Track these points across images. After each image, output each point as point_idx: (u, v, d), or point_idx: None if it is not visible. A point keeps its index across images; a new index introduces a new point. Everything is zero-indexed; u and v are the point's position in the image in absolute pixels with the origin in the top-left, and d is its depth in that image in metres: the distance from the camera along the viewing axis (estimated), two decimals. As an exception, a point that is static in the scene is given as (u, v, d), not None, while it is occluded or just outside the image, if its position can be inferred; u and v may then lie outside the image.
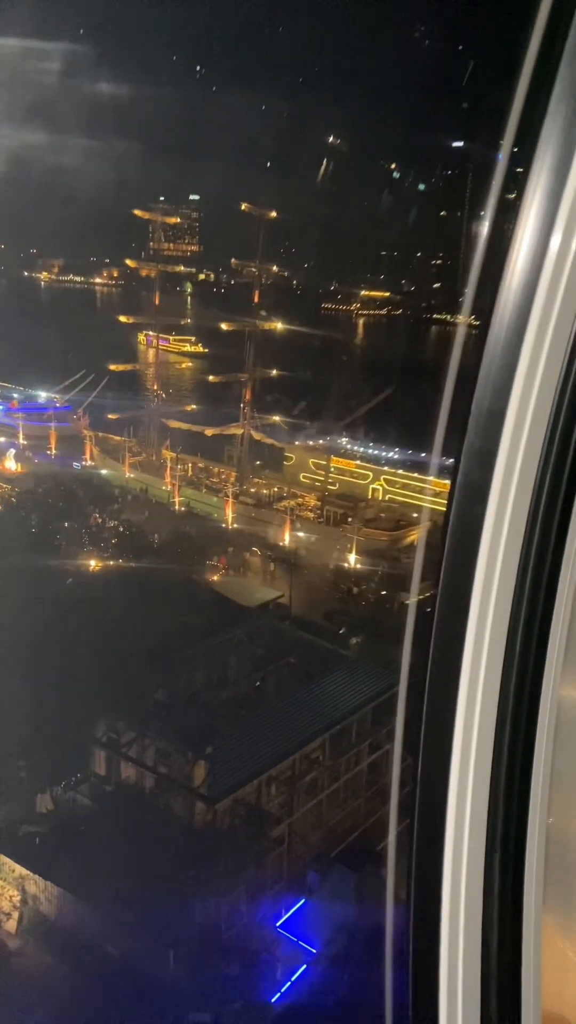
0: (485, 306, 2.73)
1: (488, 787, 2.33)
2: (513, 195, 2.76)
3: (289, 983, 32.01)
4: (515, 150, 2.79)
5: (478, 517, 2.46)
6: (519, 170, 2.70)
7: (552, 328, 2.52)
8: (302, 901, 34.59)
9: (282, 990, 31.83)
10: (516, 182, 2.73)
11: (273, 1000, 31.64)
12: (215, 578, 57.99)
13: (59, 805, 38.80)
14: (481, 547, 2.45)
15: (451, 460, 2.70)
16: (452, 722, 2.36)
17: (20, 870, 35.19)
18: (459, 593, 2.40)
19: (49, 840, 36.40)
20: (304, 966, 32.40)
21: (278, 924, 33.80)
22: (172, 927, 31.64)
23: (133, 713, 40.83)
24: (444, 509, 2.62)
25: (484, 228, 3.05)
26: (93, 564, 55.38)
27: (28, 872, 35.00)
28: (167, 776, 38.97)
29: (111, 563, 56.25)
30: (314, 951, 32.69)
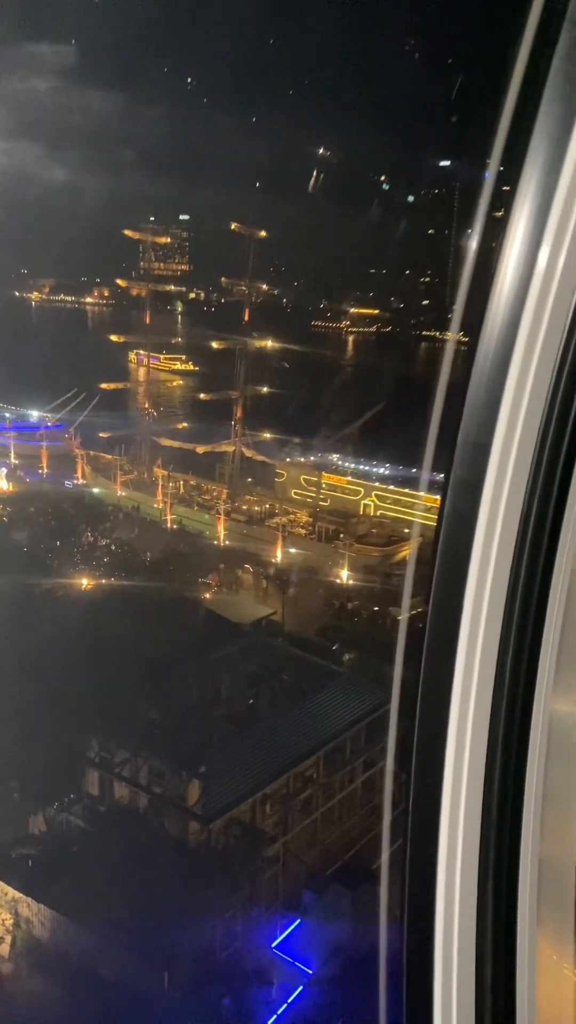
0: (473, 323, 2.75)
1: (480, 804, 2.32)
2: (500, 213, 2.78)
3: (285, 1005, 31.66)
4: (502, 168, 2.82)
5: (466, 541, 2.46)
6: (506, 188, 2.73)
7: (540, 344, 2.54)
8: (297, 921, 34.29)
9: (278, 1012, 31.47)
10: (503, 200, 2.75)
11: (269, 1022, 31.28)
12: (207, 596, 57.88)
13: (52, 826, 38.48)
14: (470, 570, 2.45)
15: (441, 475, 2.70)
16: (444, 741, 2.36)
17: (13, 893, 34.84)
18: (449, 616, 2.40)
19: (42, 862, 36.07)
20: (300, 987, 32.06)
21: (273, 945, 33.47)
22: (167, 949, 31.32)
23: (126, 733, 40.58)
24: (435, 524, 2.62)
25: (472, 246, 3.07)
26: (85, 583, 55.21)
27: (21, 895, 34.65)
28: (161, 796, 38.69)
29: (103, 582, 56.10)
30: (310, 972, 32.36)
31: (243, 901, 35.63)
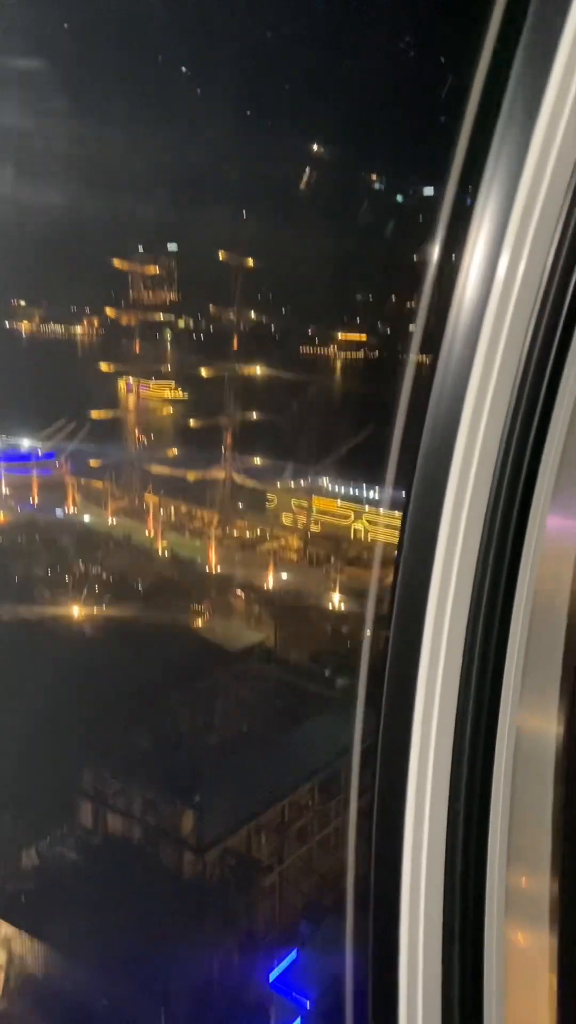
0: (435, 339, 2.76)
1: (445, 829, 2.27)
2: (460, 228, 2.79)
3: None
4: (465, 186, 2.84)
5: (427, 558, 2.44)
6: (467, 204, 2.74)
7: (500, 358, 2.53)
8: (294, 953, 33.78)
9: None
10: (463, 214, 2.77)
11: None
12: (200, 623, 57.67)
13: (44, 859, 37.95)
14: (431, 588, 2.43)
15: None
16: (406, 761, 2.32)
17: (6, 929, 34.32)
18: (410, 636, 2.37)
19: (34, 896, 35.57)
20: (298, 1020, 31.53)
21: (271, 978, 32.94)
22: (161, 983, 30.82)
23: (119, 763, 40.20)
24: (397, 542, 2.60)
25: (433, 263, 3.08)
26: (76, 612, 54.92)
27: (14, 931, 34.13)
28: (154, 826, 38.26)
29: (94, 611, 55.82)
30: (308, 1005, 31.83)
31: (239, 933, 35.15)
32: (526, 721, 2.45)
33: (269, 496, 75.84)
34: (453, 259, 2.73)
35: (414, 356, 3.00)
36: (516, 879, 2.40)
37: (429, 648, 2.35)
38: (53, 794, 38.81)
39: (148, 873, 36.71)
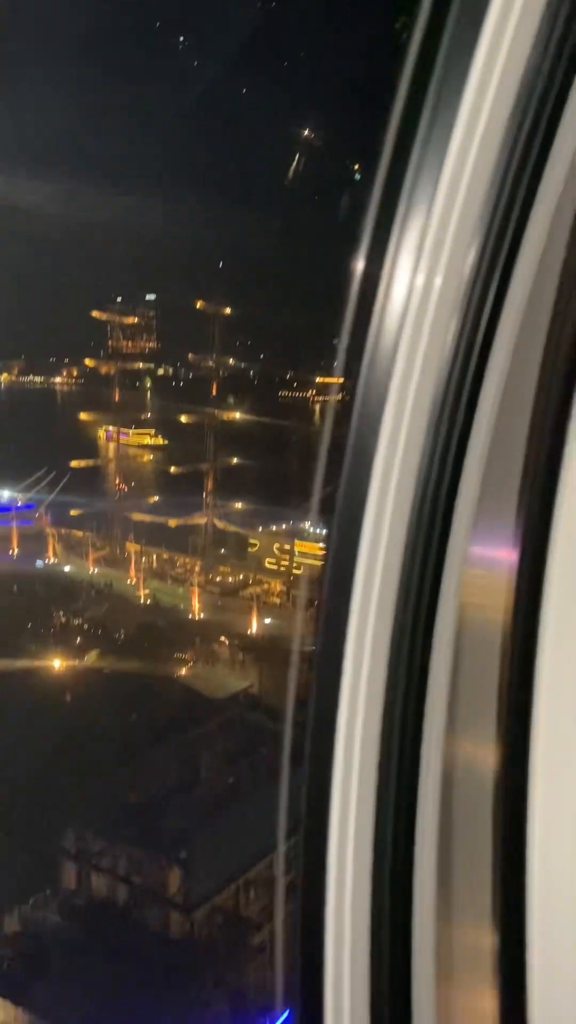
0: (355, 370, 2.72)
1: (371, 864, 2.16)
2: (378, 262, 2.76)
3: None
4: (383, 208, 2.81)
5: (348, 579, 2.37)
6: (384, 231, 2.71)
7: (415, 382, 2.48)
8: (287, 1012, 32.74)
9: None
10: (381, 247, 2.74)
11: None
12: (183, 671, 57.05)
13: (27, 924, 36.88)
14: (352, 612, 2.35)
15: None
16: (328, 793, 2.21)
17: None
18: (331, 673, 2.28)
19: (18, 962, 34.52)
20: None
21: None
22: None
23: (102, 820, 39.34)
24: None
25: (353, 299, 3.05)
26: (57, 665, 54.23)
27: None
28: (140, 885, 37.32)
29: (76, 663, 55.16)
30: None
31: (231, 992, 34.20)
32: (460, 758, 2.36)
33: (251, 540, 75.74)
34: (371, 291, 2.69)
35: (337, 388, 2.96)
36: (451, 933, 2.27)
37: (349, 687, 2.27)
38: (29, 853, 37.87)
39: (132, 932, 35.69)
